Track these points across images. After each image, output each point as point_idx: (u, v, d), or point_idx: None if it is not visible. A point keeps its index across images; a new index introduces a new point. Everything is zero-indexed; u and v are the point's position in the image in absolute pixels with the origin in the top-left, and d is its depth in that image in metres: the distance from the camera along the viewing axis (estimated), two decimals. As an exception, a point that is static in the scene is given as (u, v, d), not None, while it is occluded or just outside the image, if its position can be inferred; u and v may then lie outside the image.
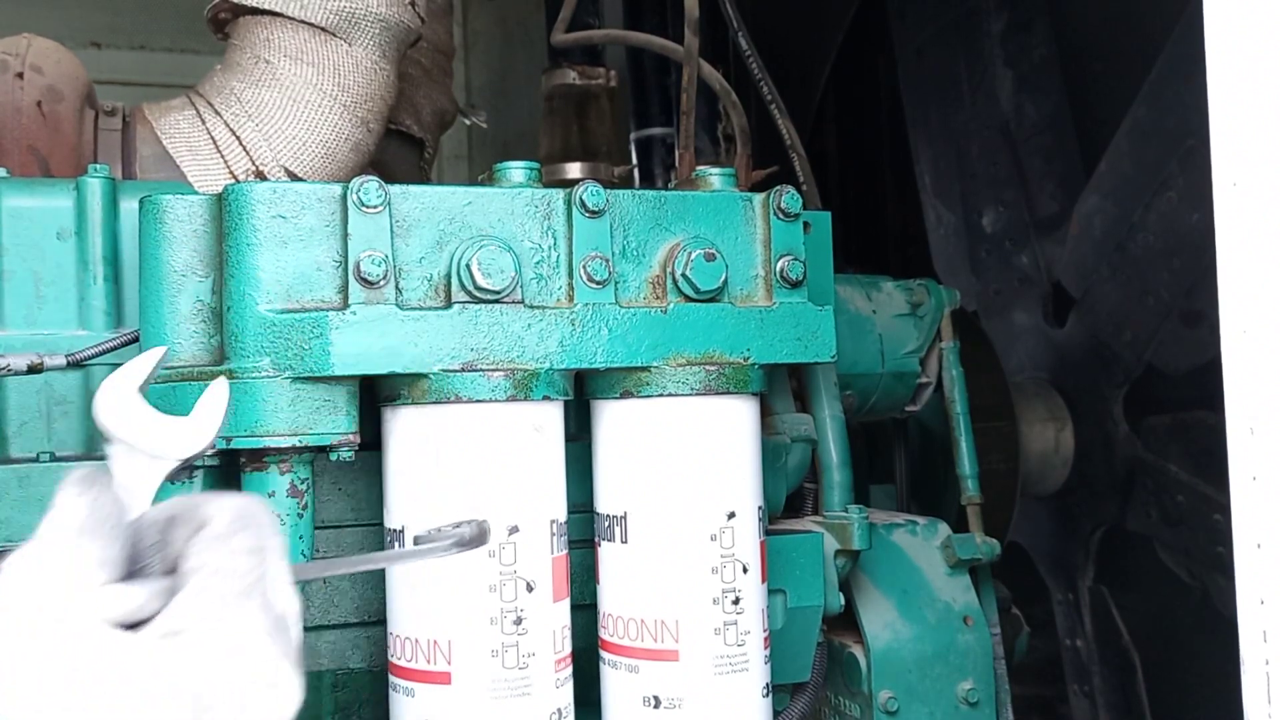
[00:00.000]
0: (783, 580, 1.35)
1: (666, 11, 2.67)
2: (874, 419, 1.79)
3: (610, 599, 1.24)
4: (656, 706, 1.20)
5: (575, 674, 1.20)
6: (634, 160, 2.88)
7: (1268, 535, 0.93)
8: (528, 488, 1.15)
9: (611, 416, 1.24)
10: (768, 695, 1.25)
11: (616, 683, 1.23)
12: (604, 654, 1.25)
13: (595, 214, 1.21)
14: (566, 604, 1.19)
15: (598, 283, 1.20)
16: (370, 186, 1.14)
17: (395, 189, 1.16)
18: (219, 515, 0.61)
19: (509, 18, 3.88)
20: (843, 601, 1.42)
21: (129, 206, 1.26)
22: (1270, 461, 0.92)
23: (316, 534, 1.18)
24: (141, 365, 0.73)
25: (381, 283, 1.12)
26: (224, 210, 1.14)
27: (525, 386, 1.15)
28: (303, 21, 1.58)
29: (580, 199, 1.20)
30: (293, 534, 1.13)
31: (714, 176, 1.32)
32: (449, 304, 1.16)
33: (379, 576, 1.23)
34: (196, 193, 1.19)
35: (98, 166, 1.28)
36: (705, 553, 1.20)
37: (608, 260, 1.21)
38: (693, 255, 1.23)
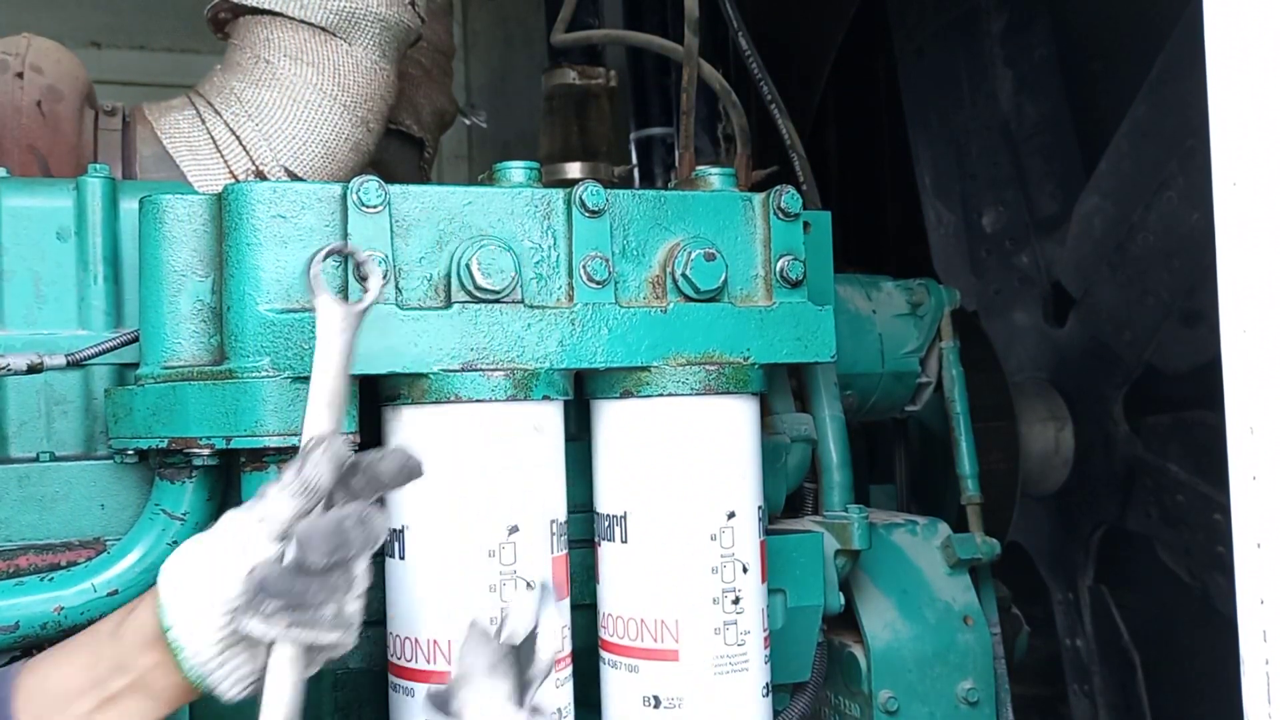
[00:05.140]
0: (783, 580, 1.35)
1: (666, 11, 2.67)
2: (874, 419, 1.79)
3: (610, 599, 1.24)
4: (656, 706, 1.20)
5: (575, 674, 1.20)
6: (634, 160, 2.88)
7: (1268, 535, 0.93)
8: (528, 488, 1.15)
9: (611, 416, 1.24)
10: (768, 695, 1.25)
11: (616, 682, 1.23)
12: (604, 654, 1.25)
13: (595, 214, 1.21)
14: (566, 604, 1.19)
15: (598, 282, 1.20)
16: (370, 186, 1.14)
17: (395, 189, 1.16)
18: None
19: (509, 18, 3.88)
20: (843, 601, 1.42)
21: (129, 206, 1.26)
22: (1270, 461, 0.92)
23: (316, 534, 1.17)
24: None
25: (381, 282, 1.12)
26: (224, 210, 1.14)
27: (525, 386, 1.15)
28: (303, 21, 1.58)
29: (580, 199, 1.20)
30: (293, 534, 1.12)
31: (714, 176, 1.32)
32: (449, 304, 1.16)
33: (379, 576, 1.23)
34: (196, 193, 1.19)
35: (98, 166, 1.28)
36: (705, 552, 1.20)
37: (608, 260, 1.21)
38: (693, 255, 1.23)
